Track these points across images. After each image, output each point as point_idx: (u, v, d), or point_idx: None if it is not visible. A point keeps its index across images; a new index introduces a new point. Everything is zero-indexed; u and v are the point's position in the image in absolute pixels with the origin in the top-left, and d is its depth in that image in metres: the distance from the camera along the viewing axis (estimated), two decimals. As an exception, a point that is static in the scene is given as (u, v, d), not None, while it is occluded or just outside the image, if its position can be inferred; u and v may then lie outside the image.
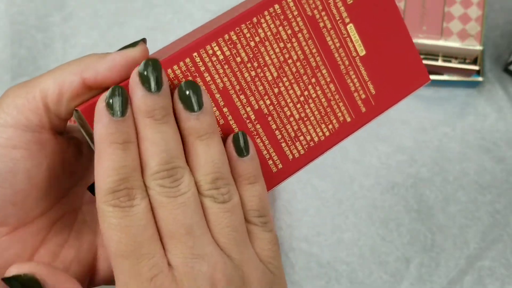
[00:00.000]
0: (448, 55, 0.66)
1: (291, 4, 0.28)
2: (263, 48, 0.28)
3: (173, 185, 0.26)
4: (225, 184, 0.27)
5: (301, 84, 0.29)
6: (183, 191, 0.26)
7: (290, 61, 0.29)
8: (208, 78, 0.28)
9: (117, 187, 0.25)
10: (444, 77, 0.67)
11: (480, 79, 0.67)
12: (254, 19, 0.28)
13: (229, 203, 0.27)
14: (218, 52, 0.28)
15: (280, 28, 0.28)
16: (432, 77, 0.67)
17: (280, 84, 0.29)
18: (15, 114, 0.27)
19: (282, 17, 0.28)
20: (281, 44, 0.28)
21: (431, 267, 0.66)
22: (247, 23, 0.28)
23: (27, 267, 0.26)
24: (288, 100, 0.29)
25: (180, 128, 0.27)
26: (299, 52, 0.28)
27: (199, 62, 0.28)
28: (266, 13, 0.28)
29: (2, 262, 0.28)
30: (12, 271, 0.26)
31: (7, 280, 0.25)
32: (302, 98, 0.29)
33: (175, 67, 0.28)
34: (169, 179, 0.26)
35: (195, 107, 0.27)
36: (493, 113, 0.68)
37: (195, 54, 0.28)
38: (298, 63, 0.29)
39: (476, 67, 0.66)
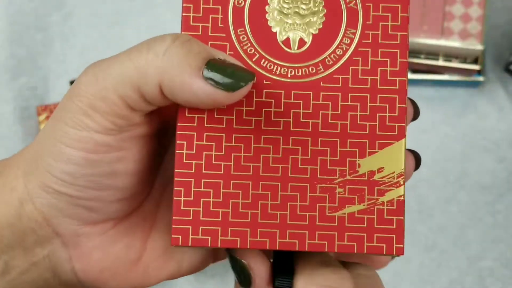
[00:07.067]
0: (449, 54, 0.66)
1: None
2: None
3: None
4: None
5: None
6: None
7: None
8: None
9: None
10: (445, 77, 0.67)
11: (481, 78, 0.67)
12: None
13: None
14: None
15: None
16: (433, 77, 0.67)
17: None
18: (100, 120, 0.25)
19: None
20: None
21: (431, 267, 0.65)
22: None
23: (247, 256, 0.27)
24: None
25: None
26: None
27: None
28: None
29: (112, 257, 0.28)
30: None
31: (231, 256, 0.27)
32: None
33: None
34: None
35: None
36: (494, 113, 0.68)
37: None
38: None
39: (477, 67, 0.66)
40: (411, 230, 0.66)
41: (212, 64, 0.25)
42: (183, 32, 0.27)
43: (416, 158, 0.29)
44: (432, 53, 0.66)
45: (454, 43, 0.65)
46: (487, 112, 0.68)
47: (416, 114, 0.29)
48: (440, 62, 0.66)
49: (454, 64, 0.66)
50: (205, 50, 0.25)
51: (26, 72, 0.70)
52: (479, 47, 0.65)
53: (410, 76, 0.67)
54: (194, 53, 0.25)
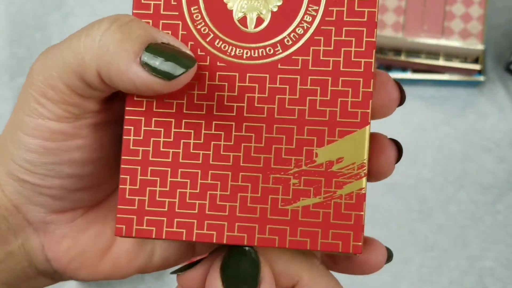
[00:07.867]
0: (449, 54, 0.66)
1: None
2: None
3: None
4: None
5: None
6: None
7: None
8: None
9: None
10: (446, 77, 0.67)
11: (481, 78, 0.66)
12: None
13: None
14: None
15: None
16: (433, 76, 0.67)
17: None
18: (52, 108, 0.24)
19: None
20: None
21: (431, 267, 0.65)
22: None
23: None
24: None
25: None
26: None
27: None
28: None
29: (81, 245, 0.27)
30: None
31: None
32: None
33: None
34: None
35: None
36: (495, 113, 0.68)
37: None
38: None
39: (477, 67, 0.66)
40: (411, 230, 0.66)
41: (152, 48, 0.23)
42: (134, 11, 0.25)
43: (398, 149, 0.27)
44: (433, 52, 0.66)
45: (454, 42, 0.65)
46: (488, 112, 0.68)
47: (402, 99, 0.26)
48: (441, 62, 0.66)
49: (455, 64, 0.66)
50: (146, 32, 0.24)
51: (26, 72, 0.70)
52: (479, 46, 0.64)
53: (410, 76, 0.67)
54: (132, 37, 0.23)
